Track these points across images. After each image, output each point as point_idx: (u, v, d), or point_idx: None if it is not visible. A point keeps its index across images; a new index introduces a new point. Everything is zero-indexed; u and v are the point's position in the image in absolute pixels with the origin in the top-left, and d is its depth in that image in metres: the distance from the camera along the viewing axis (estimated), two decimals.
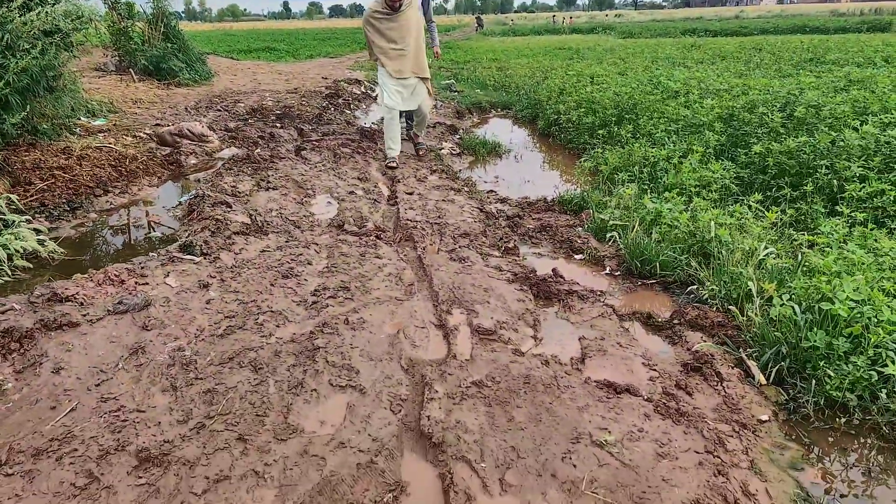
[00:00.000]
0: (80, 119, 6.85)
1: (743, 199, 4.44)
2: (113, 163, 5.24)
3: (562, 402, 2.42)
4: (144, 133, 6.81)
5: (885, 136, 4.59)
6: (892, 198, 4.01)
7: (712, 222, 3.66)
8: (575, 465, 2.09)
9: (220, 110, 8.91)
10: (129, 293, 3.02)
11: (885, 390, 2.40)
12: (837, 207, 4.01)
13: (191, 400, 2.37)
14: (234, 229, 3.83)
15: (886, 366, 2.41)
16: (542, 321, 3.14)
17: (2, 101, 4.60)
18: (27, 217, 3.78)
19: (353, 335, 2.89)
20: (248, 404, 2.36)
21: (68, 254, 3.79)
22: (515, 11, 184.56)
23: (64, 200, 4.54)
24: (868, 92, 6.00)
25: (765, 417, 2.45)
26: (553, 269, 3.68)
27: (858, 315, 2.62)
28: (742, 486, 2.05)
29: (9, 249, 3.42)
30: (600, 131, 6.73)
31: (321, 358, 2.68)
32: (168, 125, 6.94)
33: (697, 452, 2.19)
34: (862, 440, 2.34)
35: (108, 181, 4.96)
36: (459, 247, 4.01)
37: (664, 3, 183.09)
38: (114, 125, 7.18)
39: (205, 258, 3.46)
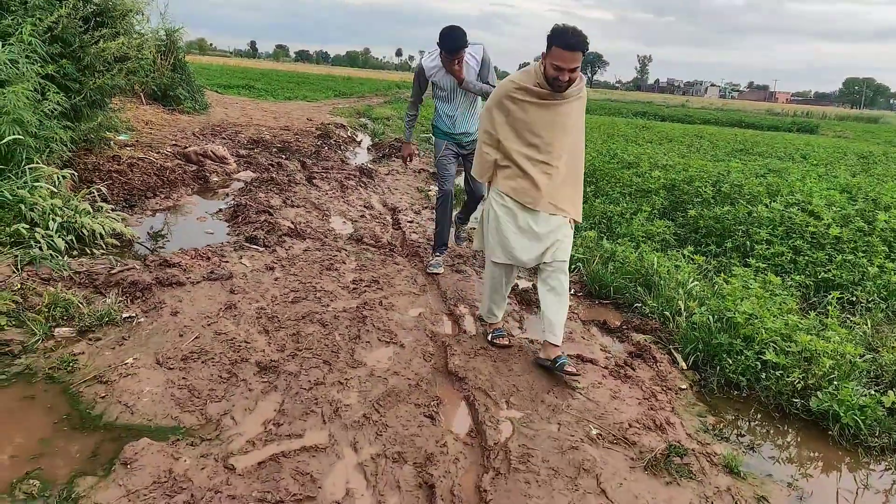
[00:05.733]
0: (107, 133, 7.65)
1: (678, 250, 5.62)
2: (157, 172, 6.08)
3: None
4: (167, 151, 7.65)
5: (787, 212, 5.91)
6: (788, 258, 5.26)
7: (656, 259, 4.80)
8: (556, 397, 3.08)
9: (224, 138, 9.80)
10: (217, 267, 3.90)
11: (764, 374, 3.48)
12: (749, 261, 5.22)
13: (281, 339, 3.27)
14: (283, 231, 4.76)
15: (767, 358, 3.50)
16: (525, 318, 4.15)
17: (77, 111, 5.44)
18: (111, 206, 4.61)
19: (387, 313, 3.84)
20: (323, 345, 3.27)
21: (140, 238, 4.62)
22: None
23: (122, 199, 5.36)
24: (780, 179, 7.43)
25: (684, 387, 3.49)
26: (532, 284, 4.72)
27: (750, 323, 3.74)
28: (665, 419, 3.06)
29: (101, 229, 4.23)
30: None
31: (369, 323, 3.61)
32: (189, 146, 7.80)
33: (637, 399, 3.21)
34: (747, 406, 3.38)
35: (155, 187, 5.79)
36: (456, 263, 5.01)
37: (617, 85, 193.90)
38: (136, 141, 7.99)
39: (266, 249, 4.37)
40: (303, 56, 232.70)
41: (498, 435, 2.70)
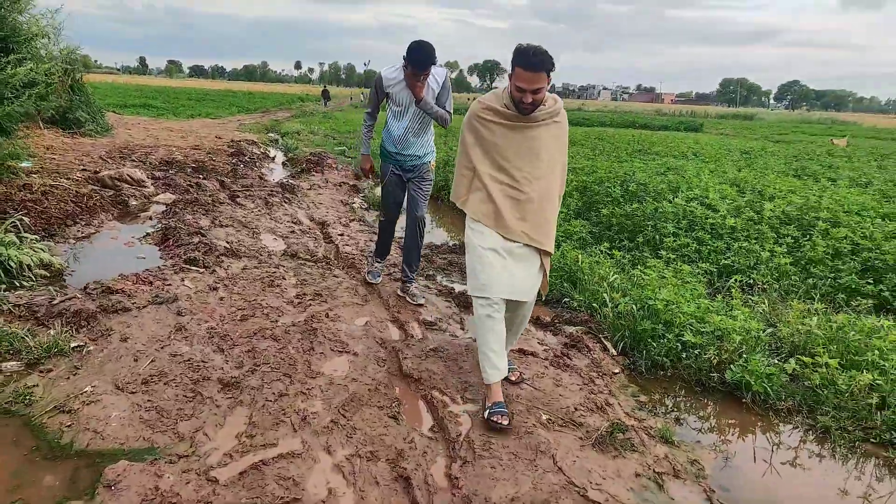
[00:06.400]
0: (12, 161, 7.27)
1: (595, 247, 6.04)
2: (73, 199, 5.87)
3: None
4: (77, 176, 7.35)
5: (689, 206, 6.48)
6: (693, 248, 5.78)
7: (579, 257, 5.17)
8: (505, 388, 3.31)
9: (135, 161, 9.48)
10: (161, 290, 3.89)
11: (684, 354, 3.87)
12: (660, 252, 5.71)
13: (238, 356, 3.33)
14: (220, 251, 4.76)
15: (686, 339, 3.88)
16: (465, 319, 4.38)
17: None
18: (37, 236, 4.45)
19: (335, 324, 3.96)
20: (280, 359, 3.36)
21: (67, 268, 4.49)
22: None
23: (40, 228, 5.15)
24: (679, 176, 8.09)
25: (616, 371, 3.82)
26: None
27: (669, 309, 4.14)
28: (605, 401, 3.36)
29: (28, 260, 4.10)
30: None
31: (320, 335, 3.72)
32: (102, 170, 7.53)
33: (578, 385, 3.50)
34: (673, 384, 3.75)
35: (74, 214, 5.60)
36: (393, 271, 5.18)
37: None
38: (41, 168, 7.62)
39: (206, 270, 4.37)
40: (198, 71, 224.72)
41: (458, 427, 2.91)
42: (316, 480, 2.40)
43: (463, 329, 4.21)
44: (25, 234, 4.36)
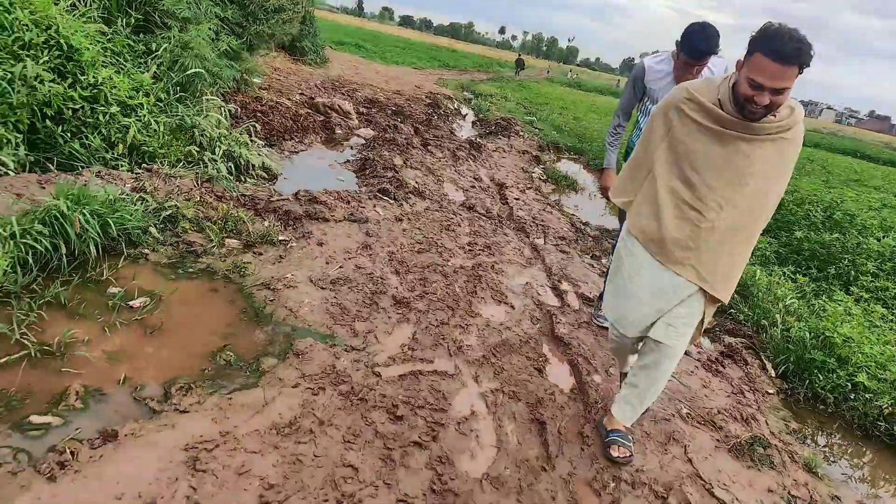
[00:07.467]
0: (252, 77, 8.28)
1: (776, 267, 5.69)
2: (292, 117, 6.61)
3: None
4: (296, 98, 8.21)
5: None
6: (893, 293, 5.26)
7: (757, 272, 4.93)
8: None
9: (343, 94, 10.34)
10: (356, 210, 4.35)
11: (853, 395, 3.62)
12: (851, 289, 5.26)
13: (411, 281, 3.67)
14: (408, 189, 5.18)
15: (858, 380, 3.63)
16: None
17: (237, 53, 6.00)
18: (262, 142, 5.13)
19: (498, 276, 4.18)
20: (446, 293, 3.65)
21: (281, 174, 5.13)
22: (578, 65, 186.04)
23: (263, 136, 5.89)
24: None
25: (771, 391, 3.67)
26: None
27: (847, 346, 3.86)
28: (751, 415, 3.27)
29: (255, 161, 4.75)
30: None
31: (483, 282, 3.96)
32: (316, 97, 8.33)
33: (725, 392, 3.43)
34: (831, 421, 3.54)
35: (291, 130, 6.32)
36: (560, 244, 5.29)
37: None
38: (269, 86, 8.59)
39: (395, 202, 4.79)
40: (406, 21, 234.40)
41: (598, 395, 3.01)
42: (462, 400, 2.65)
43: None
44: (255, 139, 5.03)
